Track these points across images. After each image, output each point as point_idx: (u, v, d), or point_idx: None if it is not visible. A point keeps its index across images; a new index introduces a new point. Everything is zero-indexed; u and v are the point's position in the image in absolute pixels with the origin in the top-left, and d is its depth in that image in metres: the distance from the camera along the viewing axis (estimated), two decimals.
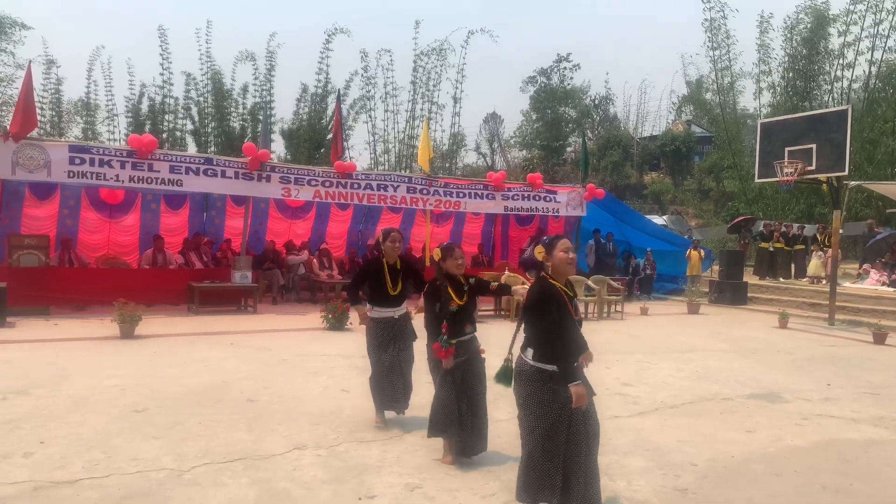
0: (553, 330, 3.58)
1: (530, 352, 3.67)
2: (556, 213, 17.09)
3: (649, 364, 9.04)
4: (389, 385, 5.56)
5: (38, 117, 14.30)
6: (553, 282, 3.68)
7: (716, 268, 19.44)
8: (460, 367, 4.78)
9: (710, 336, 11.99)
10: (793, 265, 19.58)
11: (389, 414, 5.79)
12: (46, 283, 11.49)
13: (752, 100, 31.85)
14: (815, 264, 18.16)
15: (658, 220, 26.46)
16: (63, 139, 20.03)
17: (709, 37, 29.63)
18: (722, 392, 7.46)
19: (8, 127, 11.41)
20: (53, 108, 27.65)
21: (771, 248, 19.08)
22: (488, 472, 4.66)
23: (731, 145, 29.71)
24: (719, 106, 30.48)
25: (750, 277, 18.59)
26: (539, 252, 3.73)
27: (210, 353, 8.65)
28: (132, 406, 5.95)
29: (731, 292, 17.14)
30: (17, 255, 11.45)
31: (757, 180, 16.62)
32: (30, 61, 13.45)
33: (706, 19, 29.66)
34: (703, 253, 18.46)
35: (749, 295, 17.37)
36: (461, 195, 15.75)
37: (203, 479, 4.35)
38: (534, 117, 41.58)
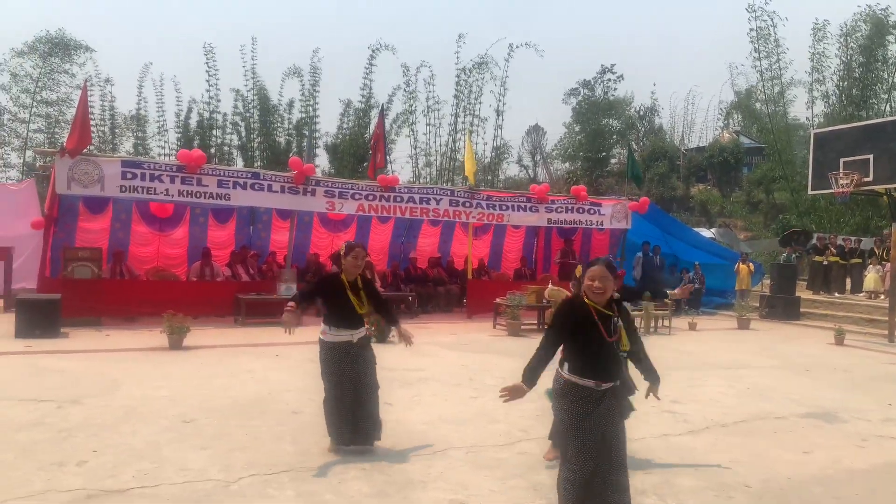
0: (567, 345, 3.65)
1: (566, 365, 3.67)
2: (601, 226, 16.88)
3: (698, 381, 8.80)
4: (350, 420, 5.04)
5: (93, 133, 14.88)
6: (586, 300, 3.65)
7: (766, 282, 18.90)
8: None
9: (762, 352, 11.63)
10: (848, 279, 18.92)
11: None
12: (99, 294, 11.82)
13: (805, 109, 31.12)
14: (872, 278, 17.51)
15: (706, 232, 25.92)
16: (116, 154, 20.70)
17: (755, 46, 29.09)
18: (775, 411, 7.20)
19: (65, 144, 11.80)
20: (107, 123, 28.64)
21: (825, 262, 18.48)
22: (534, 489, 4.58)
23: (781, 156, 29.00)
24: (769, 116, 29.81)
25: (803, 292, 18.03)
26: (578, 270, 3.71)
27: (256, 364, 8.76)
28: (180, 416, 6.03)
29: (782, 307, 16.63)
30: (71, 268, 11.82)
31: (810, 192, 16.16)
32: (85, 80, 14.02)
33: (752, 29, 29.12)
34: (752, 266, 17.98)
35: (802, 310, 16.82)
36: (504, 208, 15.69)
37: (249, 490, 4.37)
38: (576, 129, 41.32)
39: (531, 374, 3.58)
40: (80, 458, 4.83)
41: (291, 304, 4.91)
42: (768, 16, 28.77)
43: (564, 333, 3.65)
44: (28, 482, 4.35)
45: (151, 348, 9.61)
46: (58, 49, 27.95)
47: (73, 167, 11.45)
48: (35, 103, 28.36)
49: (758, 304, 17.30)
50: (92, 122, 16.89)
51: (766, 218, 34.80)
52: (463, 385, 7.86)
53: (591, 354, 3.60)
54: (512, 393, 3.51)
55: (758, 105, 32.30)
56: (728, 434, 6.22)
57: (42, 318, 10.18)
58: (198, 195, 12.52)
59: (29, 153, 27.70)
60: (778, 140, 29.19)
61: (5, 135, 28.77)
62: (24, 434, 5.35)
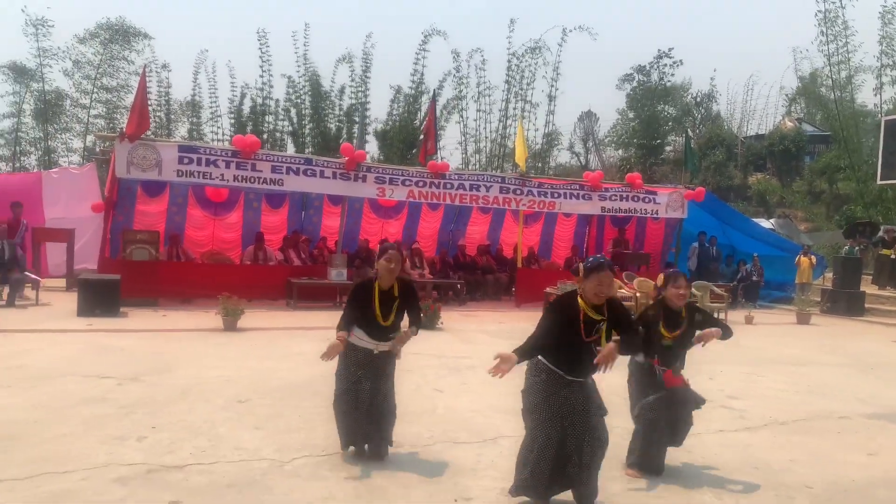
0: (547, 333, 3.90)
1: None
2: (656, 215, 16.50)
3: (756, 376, 8.56)
4: (356, 423, 4.63)
5: (151, 119, 15.26)
6: (579, 299, 3.92)
7: (829, 275, 18.23)
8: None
9: (823, 349, 11.23)
10: None
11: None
12: (156, 276, 12.14)
13: (873, 95, 29.72)
14: None
15: (765, 223, 25.11)
16: (172, 139, 21.18)
17: (822, 29, 27.86)
18: (838, 410, 6.94)
19: (124, 129, 12.11)
20: (163, 109, 29.33)
21: (893, 256, 17.69)
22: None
23: (847, 144, 27.80)
24: (835, 102, 28.58)
25: (867, 287, 17.32)
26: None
27: (307, 346, 8.84)
28: (235, 396, 6.14)
29: (845, 302, 16.02)
30: (129, 250, 12.16)
31: (879, 182, 15.47)
32: (144, 66, 14.35)
33: (819, 11, 27.88)
34: (814, 259, 17.34)
35: (866, 306, 16.18)
36: (556, 195, 15.45)
37: (303, 471, 4.42)
38: (630, 116, 40.45)
39: (523, 353, 3.86)
40: (140, 434, 4.96)
41: (341, 334, 4.46)
42: None
43: (555, 328, 3.88)
44: (92, 455, 4.49)
45: (206, 329, 9.83)
46: (118, 36, 28.67)
47: (132, 152, 11.75)
48: (95, 89, 29.22)
49: (819, 299, 16.72)
50: (149, 108, 17.28)
51: (828, 209, 33.51)
52: (512, 373, 7.80)
53: (568, 350, 3.87)
54: (503, 361, 3.76)
55: (823, 91, 31.01)
56: (788, 432, 6.04)
57: (103, 297, 10.51)
58: (252, 180, 12.70)
59: (90, 138, 28.60)
60: (844, 127, 27.93)
61: (68, 120, 29.75)
62: (88, 409, 5.53)
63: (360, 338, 4.57)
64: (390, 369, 4.71)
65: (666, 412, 4.67)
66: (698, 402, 4.80)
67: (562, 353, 3.88)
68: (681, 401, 4.71)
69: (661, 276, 4.80)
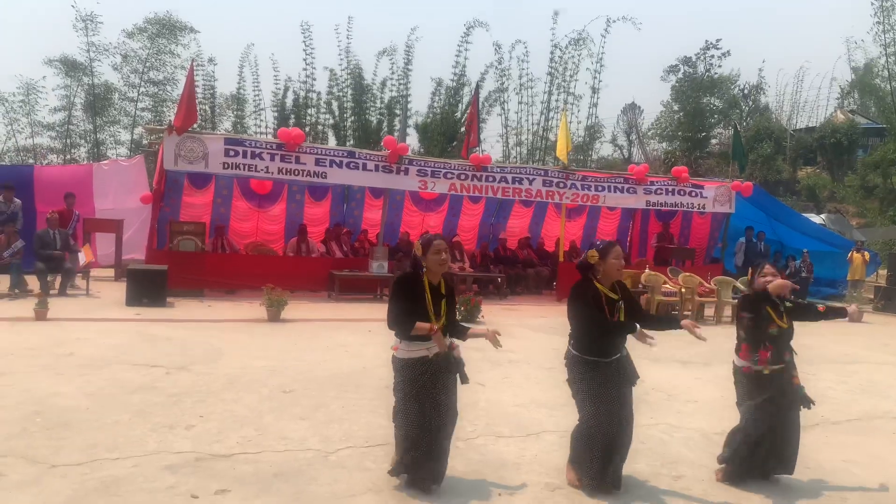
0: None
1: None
2: (703, 210, 16.12)
3: (806, 374, 8.17)
4: (425, 450, 3.97)
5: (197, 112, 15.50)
6: (596, 283, 4.12)
7: (882, 272, 17.60)
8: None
9: (877, 347, 10.86)
10: None
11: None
12: (202, 267, 12.34)
13: None
14: None
15: (815, 218, 24.38)
16: (216, 132, 21.50)
17: (878, 19, 26.90)
18: (894, 410, 6.69)
19: (172, 121, 12.33)
20: (208, 102, 29.80)
21: None
22: (631, 477, 4.42)
23: None
24: (891, 94, 27.58)
25: None
26: (592, 256, 4.09)
27: (350, 338, 8.91)
28: (280, 387, 6.20)
29: None
30: (176, 241, 12.40)
31: None
32: (192, 60, 14.55)
33: (874, 0, 26.93)
34: (867, 256, 16.76)
35: None
36: (600, 189, 15.18)
37: (348, 461, 4.44)
38: (675, 108, 39.65)
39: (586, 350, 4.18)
40: (189, 423, 5.03)
41: (429, 325, 3.97)
42: None
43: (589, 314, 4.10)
44: (142, 442, 4.58)
45: (251, 320, 9.96)
46: (165, 30, 29.19)
47: (180, 144, 11.95)
48: (143, 83, 29.84)
49: (872, 297, 16.17)
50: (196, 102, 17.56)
51: (882, 204, 32.33)
52: (556, 368, 7.66)
53: (599, 335, 4.08)
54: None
55: (878, 82, 29.94)
56: (840, 432, 5.87)
57: (150, 287, 10.71)
58: (296, 173, 12.81)
59: (137, 130, 29.24)
60: None
61: (116, 113, 30.45)
62: (138, 397, 5.64)
63: (407, 348, 4.01)
64: (453, 378, 4.15)
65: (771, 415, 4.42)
66: (805, 401, 4.55)
67: (594, 339, 4.09)
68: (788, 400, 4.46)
69: (750, 269, 4.68)
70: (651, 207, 15.98)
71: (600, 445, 4.06)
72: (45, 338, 7.80)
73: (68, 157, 29.44)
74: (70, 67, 28.50)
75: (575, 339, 4.19)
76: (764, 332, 4.35)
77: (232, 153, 12.30)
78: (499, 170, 14.65)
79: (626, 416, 4.10)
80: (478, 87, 19.53)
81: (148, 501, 3.73)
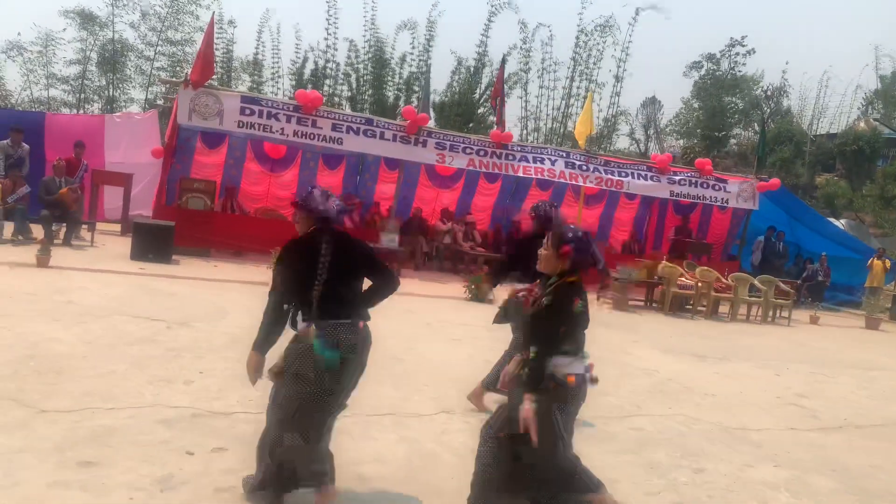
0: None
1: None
2: (725, 204, 15.64)
3: (824, 377, 8.12)
4: None
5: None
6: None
7: None
8: None
9: (895, 355, 10.62)
10: None
11: None
12: (210, 226, 12.07)
13: None
14: None
15: (836, 223, 23.97)
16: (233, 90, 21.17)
17: None
18: None
19: (188, 75, 12.01)
20: (225, 66, 29.41)
21: None
22: (650, 467, 4.22)
23: None
24: None
25: None
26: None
27: None
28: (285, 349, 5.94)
29: None
30: (185, 198, 12.12)
31: None
32: (213, 13, 14.18)
33: None
34: (888, 263, 16.38)
35: None
36: (623, 174, 14.61)
37: (354, 429, 4.22)
38: (695, 105, 39.10)
39: None
40: (188, 378, 4.81)
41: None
42: None
43: None
44: (139, 394, 4.36)
45: (257, 282, 9.71)
46: None
47: (195, 99, 11.64)
48: (160, 41, 29.48)
49: (890, 305, 15.87)
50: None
51: None
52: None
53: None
54: None
55: None
56: (865, 437, 5.69)
57: (156, 243, 10.47)
58: (312, 136, 12.47)
59: (152, 90, 28.92)
60: None
61: (131, 71, 30.15)
62: (136, 348, 5.41)
63: None
64: None
65: None
66: None
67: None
68: None
69: None
70: (674, 198, 15.41)
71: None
72: (45, 284, 7.56)
73: (81, 111, 29.18)
74: (86, 20, 28.14)
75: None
76: None
77: (248, 111, 11.98)
78: (519, 148, 14.27)
79: None
80: (504, 60, 18.96)
81: (140, 454, 3.51)
